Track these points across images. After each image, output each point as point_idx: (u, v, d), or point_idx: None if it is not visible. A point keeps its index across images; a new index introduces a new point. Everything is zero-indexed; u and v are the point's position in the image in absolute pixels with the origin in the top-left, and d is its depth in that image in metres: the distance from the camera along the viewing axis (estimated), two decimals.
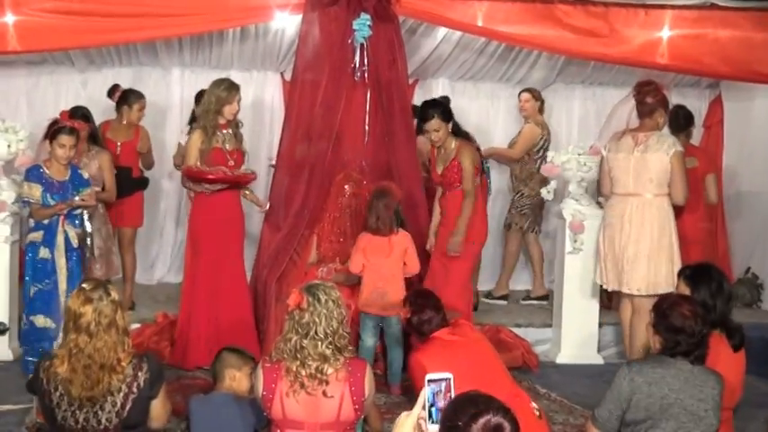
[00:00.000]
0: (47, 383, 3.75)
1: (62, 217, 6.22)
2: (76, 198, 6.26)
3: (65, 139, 6.16)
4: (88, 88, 8.50)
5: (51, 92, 8.41)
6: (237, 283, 6.59)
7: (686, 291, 4.55)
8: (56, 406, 3.74)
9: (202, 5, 7.11)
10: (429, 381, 2.55)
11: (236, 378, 4.56)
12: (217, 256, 6.47)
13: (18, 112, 8.39)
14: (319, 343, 3.76)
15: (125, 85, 7.65)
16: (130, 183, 7.42)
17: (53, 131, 6.17)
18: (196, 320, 6.52)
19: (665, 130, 6.58)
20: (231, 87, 6.49)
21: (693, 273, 4.70)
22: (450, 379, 2.56)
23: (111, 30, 7.16)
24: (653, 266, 6.18)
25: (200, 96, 7.14)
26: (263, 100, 8.82)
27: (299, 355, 3.77)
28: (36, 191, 6.19)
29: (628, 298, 6.33)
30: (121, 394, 3.74)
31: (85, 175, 6.42)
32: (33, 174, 6.24)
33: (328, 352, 3.77)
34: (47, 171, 6.23)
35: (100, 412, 3.73)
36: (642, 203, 6.24)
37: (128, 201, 7.40)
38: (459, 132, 6.63)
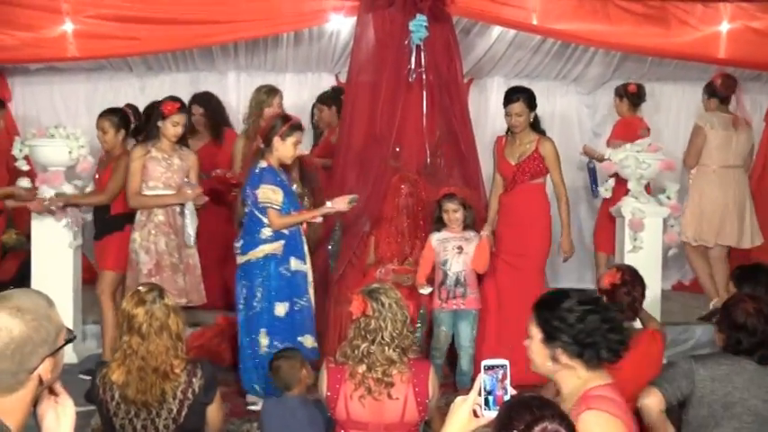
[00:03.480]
0: (103, 392, 3.79)
1: (304, 225, 5.76)
2: (328, 204, 5.79)
3: (300, 135, 5.67)
4: (146, 93, 8.57)
5: (110, 98, 8.47)
6: None
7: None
8: (113, 414, 3.78)
9: (258, 11, 7.14)
10: (486, 368, 2.54)
11: (305, 375, 4.62)
12: None
13: (78, 118, 8.51)
14: (386, 347, 3.76)
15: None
16: None
17: (287, 127, 5.60)
18: None
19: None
20: (271, 91, 6.61)
21: (741, 273, 4.69)
22: (506, 366, 2.54)
23: (169, 37, 7.24)
24: (749, 224, 7.54)
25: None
26: None
27: (365, 360, 3.78)
28: (280, 195, 5.54)
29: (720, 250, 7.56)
30: (177, 401, 3.77)
31: None
32: (272, 175, 5.55)
33: (395, 355, 3.77)
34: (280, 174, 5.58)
35: (157, 419, 3.77)
36: (736, 173, 7.49)
37: None
38: (537, 128, 6.56)
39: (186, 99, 8.11)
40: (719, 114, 7.46)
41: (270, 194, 5.49)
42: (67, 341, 2.33)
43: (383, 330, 3.76)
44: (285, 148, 5.58)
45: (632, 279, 4.38)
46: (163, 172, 6.09)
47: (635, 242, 6.96)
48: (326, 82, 8.87)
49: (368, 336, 3.78)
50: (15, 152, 6.81)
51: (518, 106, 6.36)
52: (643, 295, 4.39)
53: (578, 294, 3.17)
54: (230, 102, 8.77)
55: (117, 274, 6.43)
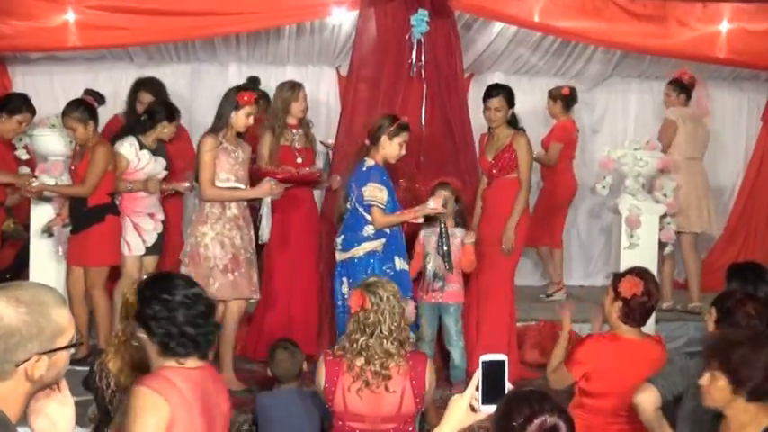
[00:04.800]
0: (99, 380, 3.79)
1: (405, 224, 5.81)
2: (430, 204, 5.72)
3: (407, 135, 5.70)
4: None
5: (110, 88, 8.41)
6: (309, 278, 6.60)
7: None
8: (109, 402, 3.78)
9: (260, 3, 7.18)
10: (483, 362, 2.54)
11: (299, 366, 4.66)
12: (292, 251, 6.48)
13: None
14: (384, 340, 3.80)
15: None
16: None
17: (396, 127, 5.67)
18: (271, 313, 6.53)
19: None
20: (294, 86, 6.55)
21: (731, 269, 4.74)
22: (504, 362, 2.56)
23: (170, 28, 7.25)
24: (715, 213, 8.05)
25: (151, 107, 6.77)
26: (318, 95, 8.84)
27: (364, 353, 3.81)
28: (385, 194, 5.59)
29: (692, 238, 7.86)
30: None
31: None
32: (380, 174, 5.63)
33: (393, 348, 3.81)
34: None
35: None
36: (699, 165, 7.84)
37: None
38: (515, 125, 6.62)
39: (186, 90, 8.17)
40: (686, 109, 7.77)
41: (376, 193, 5.56)
42: (70, 345, 2.25)
43: (382, 324, 3.80)
44: (392, 148, 5.65)
45: (654, 287, 4.31)
46: (233, 164, 5.88)
47: (631, 239, 6.99)
48: (327, 75, 8.90)
49: (367, 329, 3.82)
50: (15, 141, 6.82)
51: (497, 101, 6.42)
52: (658, 300, 4.35)
53: (182, 284, 3.08)
54: None
55: (102, 269, 6.31)
